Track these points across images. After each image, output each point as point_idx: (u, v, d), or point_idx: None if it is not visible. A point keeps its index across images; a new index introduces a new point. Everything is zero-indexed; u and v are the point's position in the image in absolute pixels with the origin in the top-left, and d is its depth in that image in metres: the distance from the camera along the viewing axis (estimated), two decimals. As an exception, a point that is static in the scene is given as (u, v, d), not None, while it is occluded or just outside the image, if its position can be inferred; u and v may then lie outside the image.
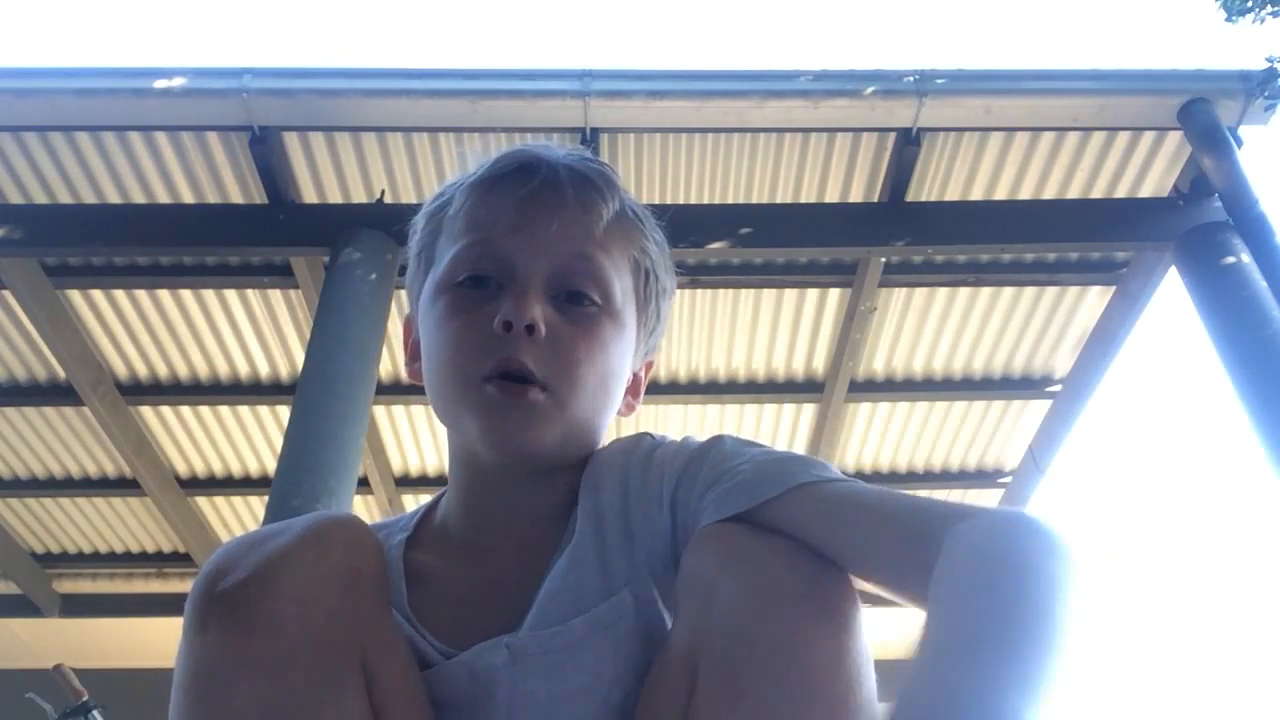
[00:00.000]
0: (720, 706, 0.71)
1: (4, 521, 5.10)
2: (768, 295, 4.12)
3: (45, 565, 5.41)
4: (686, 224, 3.56)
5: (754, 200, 3.79)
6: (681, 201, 3.78)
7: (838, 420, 4.60)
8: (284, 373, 4.40)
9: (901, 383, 4.53)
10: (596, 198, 0.90)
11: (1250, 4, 3.67)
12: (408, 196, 3.72)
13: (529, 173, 0.90)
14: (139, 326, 4.16)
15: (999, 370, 4.48)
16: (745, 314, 4.20)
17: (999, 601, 0.62)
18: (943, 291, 4.12)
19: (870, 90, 3.46)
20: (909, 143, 3.55)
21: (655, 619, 0.84)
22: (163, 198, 3.72)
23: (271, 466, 4.28)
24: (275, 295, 4.07)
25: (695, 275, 3.98)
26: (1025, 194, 3.80)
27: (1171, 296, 3.87)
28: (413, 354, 0.97)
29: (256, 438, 4.73)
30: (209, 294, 4.04)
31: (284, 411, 4.16)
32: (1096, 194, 3.81)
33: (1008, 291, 4.15)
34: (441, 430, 1.07)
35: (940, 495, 4.99)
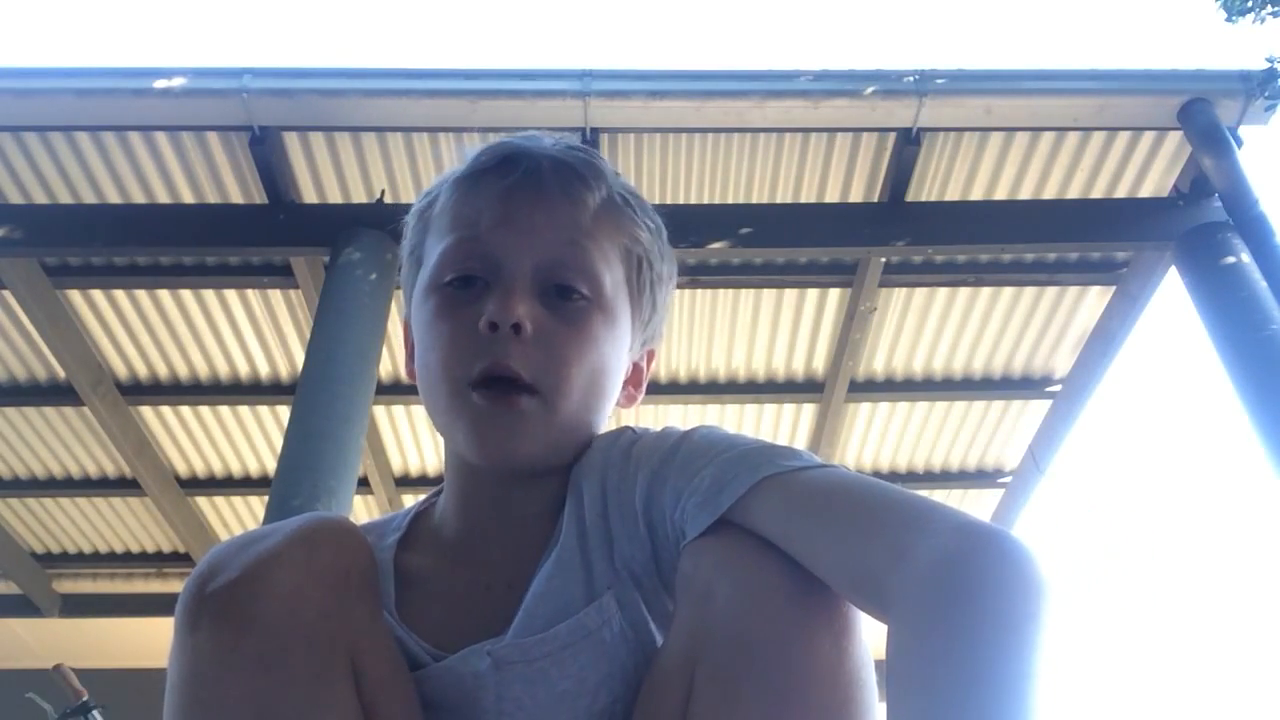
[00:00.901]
0: (718, 712, 0.71)
1: (4, 521, 5.10)
2: (768, 295, 4.12)
3: (45, 565, 5.41)
4: (686, 224, 3.56)
5: (754, 200, 3.79)
6: (681, 201, 3.78)
7: (838, 420, 4.59)
8: (284, 373, 4.40)
9: (901, 383, 4.53)
10: (581, 187, 0.88)
11: (1250, 4, 3.67)
12: (408, 196, 3.71)
13: (512, 165, 0.88)
14: (139, 326, 4.16)
15: (999, 370, 4.48)
16: (745, 314, 4.20)
17: (958, 643, 0.61)
18: (943, 291, 4.11)
19: (870, 90, 3.46)
20: (909, 143, 3.55)
21: (639, 622, 0.83)
22: (163, 198, 3.72)
23: (271, 466, 4.28)
24: (275, 295, 4.07)
25: (695, 275, 3.97)
26: (1025, 194, 3.80)
27: (1171, 296, 3.88)
28: (412, 354, 0.96)
29: (256, 438, 4.74)
30: (209, 294, 4.04)
31: (284, 411, 4.16)
32: (1096, 194, 3.81)
33: (1007, 291, 4.15)
34: (441, 430, 1.07)
35: (940, 495, 5.01)
